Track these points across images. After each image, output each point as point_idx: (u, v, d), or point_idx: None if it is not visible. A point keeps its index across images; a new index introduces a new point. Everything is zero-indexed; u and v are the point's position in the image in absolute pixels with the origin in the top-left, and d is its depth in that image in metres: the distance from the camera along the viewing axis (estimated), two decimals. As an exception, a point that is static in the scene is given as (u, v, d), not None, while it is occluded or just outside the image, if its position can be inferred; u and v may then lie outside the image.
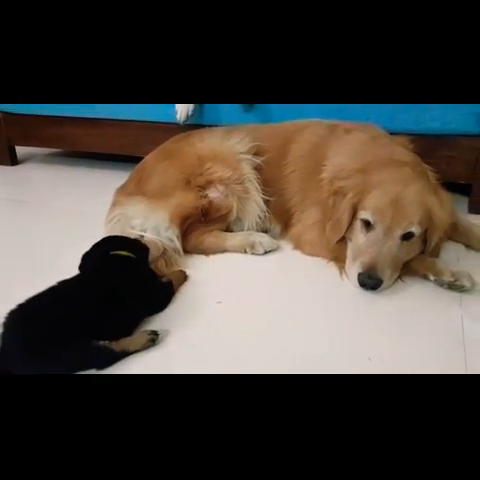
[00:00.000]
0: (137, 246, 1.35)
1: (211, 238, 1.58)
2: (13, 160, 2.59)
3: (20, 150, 2.65)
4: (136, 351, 1.08)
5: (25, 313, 1.04)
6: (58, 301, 1.07)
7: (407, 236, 1.32)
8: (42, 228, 1.84)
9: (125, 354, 1.06)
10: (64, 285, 1.13)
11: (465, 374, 0.97)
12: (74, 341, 1.00)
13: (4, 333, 1.02)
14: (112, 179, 1.85)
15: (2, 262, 1.57)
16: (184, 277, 1.40)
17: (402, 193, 1.32)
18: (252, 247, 1.56)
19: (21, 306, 1.06)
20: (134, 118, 2.21)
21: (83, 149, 2.45)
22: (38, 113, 2.39)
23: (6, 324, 1.02)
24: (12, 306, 1.06)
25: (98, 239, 1.36)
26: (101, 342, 1.02)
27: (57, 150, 2.77)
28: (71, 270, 1.23)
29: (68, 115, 2.33)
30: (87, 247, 1.32)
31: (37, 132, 2.44)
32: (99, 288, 1.13)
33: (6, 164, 2.57)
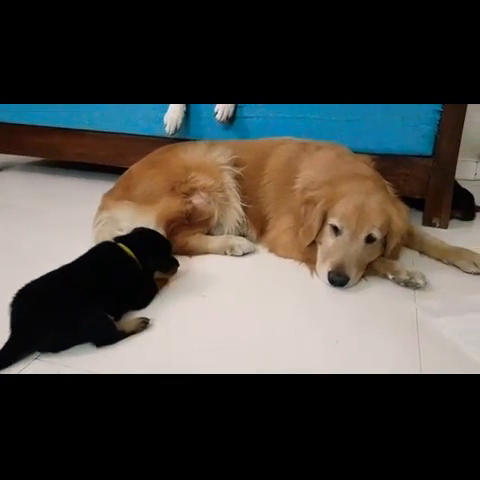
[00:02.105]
0: (151, 250, 1.38)
1: (194, 240, 1.71)
2: (-7, 167, 2.65)
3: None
4: (132, 332, 1.20)
5: (32, 290, 1.15)
6: (61, 279, 1.20)
7: (370, 239, 1.50)
8: (22, 229, 1.91)
9: (123, 334, 1.18)
10: (63, 271, 1.24)
11: (419, 374, 1.11)
12: (82, 309, 1.12)
13: (15, 310, 1.12)
14: (92, 187, 1.93)
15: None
16: (165, 280, 1.49)
17: (365, 202, 1.50)
18: (231, 249, 1.70)
19: (27, 285, 1.16)
20: (118, 130, 2.29)
21: (65, 159, 2.53)
22: (21, 122, 2.45)
23: (17, 300, 1.13)
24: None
25: (74, 239, 1.45)
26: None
27: (37, 159, 2.84)
28: (49, 265, 1.27)
29: (51, 125, 2.40)
30: (64, 245, 1.40)
31: (19, 141, 2.51)
32: (93, 275, 1.25)
33: (-14, 171, 2.63)
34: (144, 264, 1.35)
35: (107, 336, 1.15)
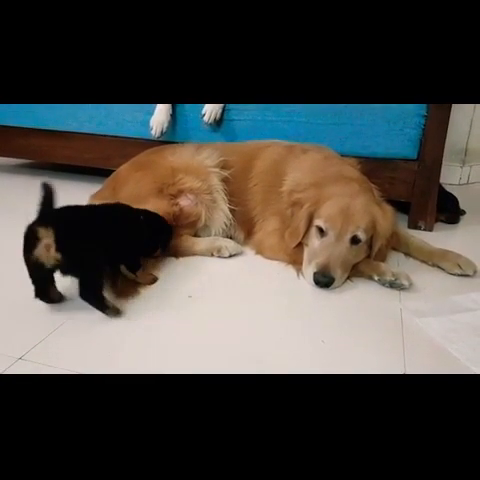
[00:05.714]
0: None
1: (181, 242, 1.70)
2: (-20, 169, 2.63)
3: (-14, 160, 2.69)
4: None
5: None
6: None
7: (355, 240, 1.51)
8: (10, 230, 1.88)
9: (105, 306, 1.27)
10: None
11: (403, 374, 1.12)
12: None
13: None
14: (79, 189, 1.92)
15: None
16: (153, 279, 1.50)
17: (350, 203, 1.52)
18: (218, 251, 1.71)
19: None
20: (105, 133, 2.30)
21: (53, 161, 2.52)
22: (8, 124, 2.44)
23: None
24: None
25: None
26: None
27: (24, 161, 2.82)
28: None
29: (39, 127, 2.39)
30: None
31: (7, 142, 2.50)
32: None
33: (-27, 173, 2.60)
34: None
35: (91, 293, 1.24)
